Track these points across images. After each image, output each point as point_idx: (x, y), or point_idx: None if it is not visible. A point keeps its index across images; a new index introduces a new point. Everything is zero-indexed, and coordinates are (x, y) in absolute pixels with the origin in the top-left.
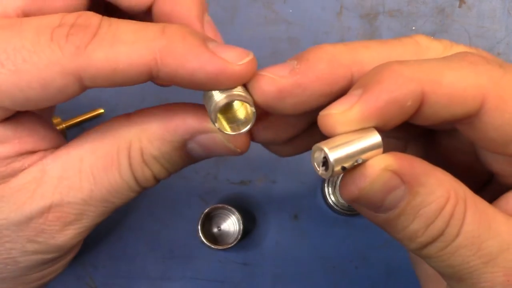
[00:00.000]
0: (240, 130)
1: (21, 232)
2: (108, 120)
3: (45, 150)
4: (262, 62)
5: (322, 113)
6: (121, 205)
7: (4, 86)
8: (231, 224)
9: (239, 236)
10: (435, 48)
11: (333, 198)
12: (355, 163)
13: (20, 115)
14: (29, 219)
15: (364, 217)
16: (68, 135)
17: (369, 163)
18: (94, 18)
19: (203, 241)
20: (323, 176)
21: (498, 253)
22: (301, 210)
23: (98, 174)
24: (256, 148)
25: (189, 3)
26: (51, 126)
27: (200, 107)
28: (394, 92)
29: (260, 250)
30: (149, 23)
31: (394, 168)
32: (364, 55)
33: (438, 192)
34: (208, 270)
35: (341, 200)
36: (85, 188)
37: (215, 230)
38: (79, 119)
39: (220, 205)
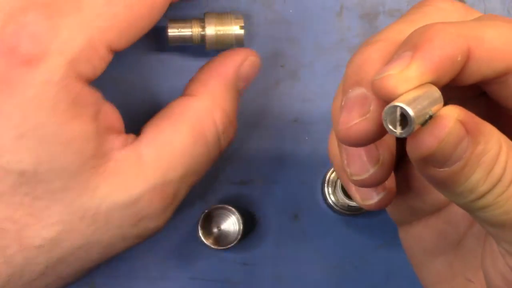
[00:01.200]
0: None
1: (126, 216)
2: (171, 103)
3: (123, 131)
4: (262, 62)
5: (378, 76)
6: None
7: (124, 26)
8: (231, 224)
9: (239, 236)
10: (458, 10)
11: (333, 198)
12: (428, 118)
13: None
14: (136, 201)
15: (364, 217)
16: None
17: (444, 114)
18: None
19: (203, 241)
20: (403, 135)
21: None
22: (301, 210)
23: (189, 150)
24: (256, 148)
25: None
26: (117, 109)
27: (225, 54)
28: (446, 48)
29: (260, 250)
30: None
31: (462, 118)
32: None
33: (493, 140)
34: (208, 270)
35: (341, 200)
36: (180, 165)
37: (215, 230)
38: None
39: (220, 205)
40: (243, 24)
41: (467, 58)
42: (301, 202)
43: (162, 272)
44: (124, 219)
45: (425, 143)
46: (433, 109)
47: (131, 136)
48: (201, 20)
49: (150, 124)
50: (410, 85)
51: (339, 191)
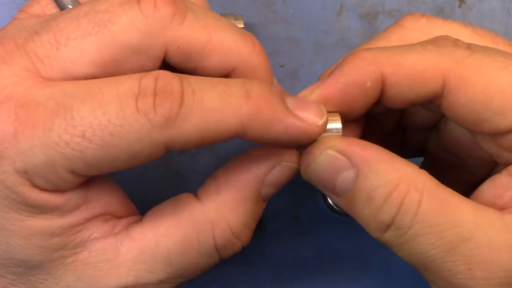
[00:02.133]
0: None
1: None
2: (175, 196)
3: (116, 217)
4: None
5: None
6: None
7: (93, 160)
8: None
9: None
10: (420, 28)
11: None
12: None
13: (93, 179)
14: None
15: None
16: None
17: (317, 142)
18: (173, 81)
19: None
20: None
21: (460, 242)
22: (301, 210)
23: (175, 258)
24: None
25: (264, 73)
26: (120, 190)
27: (252, 153)
28: (352, 74)
29: (260, 250)
30: (229, 82)
31: (339, 149)
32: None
33: (387, 177)
34: (208, 270)
35: None
36: (161, 271)
37: None
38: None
39: None
40: (243, 25)
41: (383, 84)
42: (301, 202)
43: None
44: None
45: (301, 167)
46: (322, 137)
47: (127, 220)
48: None
49: (151, 213)
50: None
51: None
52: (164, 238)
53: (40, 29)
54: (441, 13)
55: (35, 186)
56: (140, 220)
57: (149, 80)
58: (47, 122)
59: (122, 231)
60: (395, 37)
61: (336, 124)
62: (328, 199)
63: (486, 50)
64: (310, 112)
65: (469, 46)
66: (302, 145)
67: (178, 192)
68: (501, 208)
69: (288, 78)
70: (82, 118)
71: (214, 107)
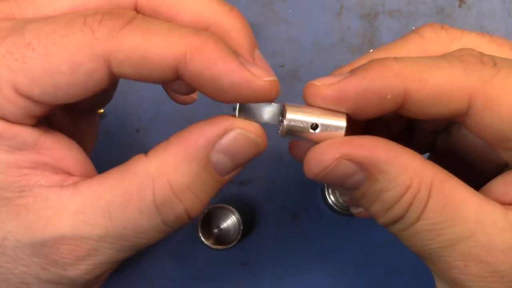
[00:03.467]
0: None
1: (34, 258)
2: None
3: (68, 173)
4: None
5: (309, 82)
6: (147, 245)
7: (34, 72)
8: (231, 224)
9: (239, 236)
10: (440, 39)
11: (333, 198)
12: (313, 132)
13: (50, 131)
14: (41, 245)
15: (364, 218)
16: None
17: (324, 148)
18: (130, 10)
19: (203, 241)
20: (280, 133)
21: (459, 239)
22: (301, 210)
23: (115, 212)
24: None
25: (239, 37)
26: (83, 154)
27: (210, 119)
28: (375, 83)
29: (260, 250)
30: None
31: (350, 157)
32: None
33: (399, 180)
34: (208, 270)
35: (341, 200)
36: (100, 225)
37: (215, 230)
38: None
39: (220, 205)
40: None
41: (405, 99)
42: (301, 202)
43: (162, 272)
44: (32, 260)
45: (307, 171)
46: (325, 134)
47: (80, 178)
48: None
49: (104, 172)
50: (324, 102)
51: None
52: (106, 191)
53: None
54: (441, 13)
55: None
56: (91, 177)
57: (108, 9)
58: None
59: (70, 185)
60: (414, 47)
61: (341, 122)
62: (328, 199)
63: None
64: (258, 68)
65: (495, 63)
66: (243, 100)
67: None
68: (508, 205)
69: (288, 78)
70: (31, 31)
71: (159, 32)
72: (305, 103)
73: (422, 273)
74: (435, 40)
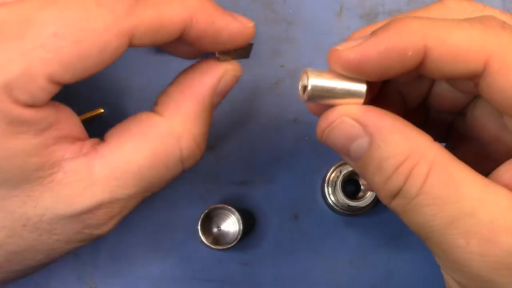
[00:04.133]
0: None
1: (69, 225)
2: (134, 115)
3: (80, 139)
4: (262, 62)
5: (332, 47)
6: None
7: (68, 60)
8: (231, 224)
9: (239, 236)
10: (462, 9)
11: (333, 198)
12: (332, 102)
13: (57, 102)
14: (79, 215)
15: (364, 217)
16: None
17: (334, 108)
18: None
19: (203, 241)
20: (300, 99)
21: (461, 216)
22: (301, 210)
23: (145, 172)
24: (256, 148)
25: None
26: (75, 114)
27: (198, 67)
28: (396, 40)
29: (260, 250)
30: None
31: (355, 117)
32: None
33: (399, 148)
34: (208, 270)
35: (341, 200)
36: (132, 186)
37: (215, 230)
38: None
39: (220, 205)
40: None
41: (424, 56)
42: (301, 202)
43: (162, 272)
44: (68, 228)
45: (317, 128)
46: (344, 100)
47: (91, 141)
48: None
49: (113, 133)
50: (346, 65)
51: (339, 191)
52: (134, 154)
53: None
54: None
55: (16, 101)
56: (103, 140)
57: None
58: (18, 33)
59: (91, 151)
60: (435, 13)
61: (361, 86)
62: (328, 199)
63: None
64: (241, 16)
65: None
66: (235, 46)
67: (179, 191)
68: None
69: (288, 78)
70: (52, 20)
71: (165, 1)
72: (328, 63)
73: (422, 273)
74: (457, 9)
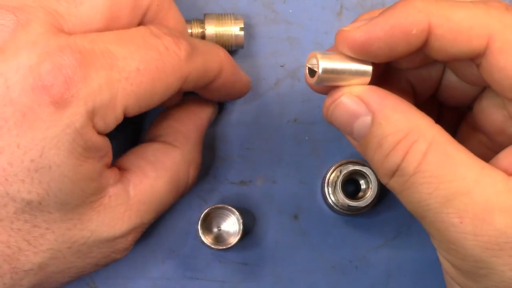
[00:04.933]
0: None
1: (104, 249)
2: (146, 144)
3: (111, 166)
4: (262, 62)
5: (339, 29)
6: None
7: (142, 95)
8: (231, 224)
9: (239, 236)
10: None
11: (333, 198)
12: (339, 77)
13: None
14: (116, 238)
15: (364, 217)
16: None
17: (337, 88)
18: (172, 30)
19: (203, 241)
20: (309, 82)
21: (456, 195)
22: (301, 210)
23: (164, 197)
24: (256, 148)
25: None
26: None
27: (194, 101)
28: (400, 19)
29: (260, 250)
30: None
31: (359, 95)
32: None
33: (399, 126)
34: (208, 270)
35: (341, 200)
36: (154, 211)
37: (215, 230)
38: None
39: (220, 205)
40: (242, 26)
41: (428, 34)
42: (301, 202)
43: (162, 272)
44: (102, 252)
45: (325, 102)
46: (352, 80)
47: (116, 168)
48: (201, 21)
49: (132, 161)
50: (353, 44)
51: (339, 191)
52: (156, 181)
53: None
54: None
55: (94, 127)
56: (124, 168)
57: (155, 27)
58: (106, 63)
59: (123, 178)
60: None
61: (367, 67)
62: (328, 199)
63: None
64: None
65: None
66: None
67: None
68: None
69: (288, 78)
70: (132, 56)
71: (206, 51)
72: (335, 44)
73: (422, 273)
74: None
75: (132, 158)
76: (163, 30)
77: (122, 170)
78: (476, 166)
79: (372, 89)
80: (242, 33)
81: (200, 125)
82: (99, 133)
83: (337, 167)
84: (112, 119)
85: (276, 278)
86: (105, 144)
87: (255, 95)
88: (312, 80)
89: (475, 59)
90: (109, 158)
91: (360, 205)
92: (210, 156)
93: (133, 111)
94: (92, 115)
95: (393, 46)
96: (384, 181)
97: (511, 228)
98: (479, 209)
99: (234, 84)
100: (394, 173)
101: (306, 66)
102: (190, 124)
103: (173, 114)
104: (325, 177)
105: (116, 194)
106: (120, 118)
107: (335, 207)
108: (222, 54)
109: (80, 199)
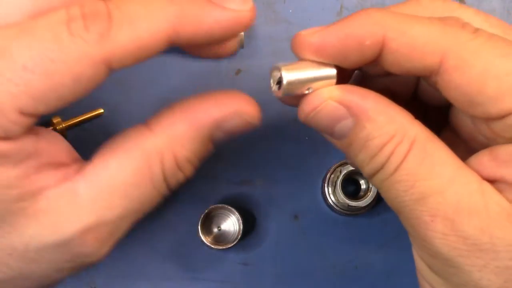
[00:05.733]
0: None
1: (59, 254)
2: (124, 130)
3: (65, 164)
4: (262, 62)
5: (296, 33)
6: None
7: (39, 92)
8: (231, 224)
9: (239, 236)
10: (436, 8)
11: (333, 198)
12: (307, 91)
13: (38, 129)
14: (67, 241)
15: (364, 217)
16: (68, 135)
17: (317, 91)
18: (98, 4)
19: (203, 241)
20: (275, 94)
21: (431, 193)
22: (301, 210)
23: (131, 191)
24: (256, 148)
25: None
26: (64, 140)
27: (214, 95)
28: (355, 29)
29: (260, 250)
30: None
31: (339, 99)
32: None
33: (385, 128)
34: (208, 270)
35: (341, 200)
36: (119, 206)
37: (215, 230)
38: (79, 119)
39: (220, 205)
40: None
41: (382, 47)
42: (301, 202)
43: (162, 272)
44: (57, 257)
45: (299, 112)
46: (318, 84)
47: (78, 163)
48: None
49: (100, 151)
50: (308, 49)
51: (339, 191)
52: (117, 172)
53: None
54: None
55: None
56: (90, 161)
57: (75, 8)
58: None
59: (76, 175)
60: (408, 10)
61: (331, 71)
62: (328, 199)
63: (491, 36)
64: (234, 1)
65: (476, 30)
66: (235, 34)
67: (179, 191)
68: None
69: None
70: (21, 52)
71: (141, 15)
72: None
73: None
74: (430, 7)
75: (102, 148)
76: (82, 10)
77: (86, 163)
78: (452, 165)
79: (351, 90)
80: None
81: (200, 119)
82: (1, 138)
83: (337, 167)
84: (7, 123)
85: (276, 278)
86: (20, 147)
87: (255, 95)
88: (279, 93)
89: (430, 76)
90: (44, 158)
91: (360, 205)
92: (210, 156)
93: (39, 110)
94: None
95: (347, 54)
96: (366, 176)
97: (479, 230)
98: (451, 209)
99: (210, 32)
100: (377, 171)
101: (270, 79)
102: (188, 113)
103: (180, 102)
104: (325, 177)
105: (57, 195)
106: (20, 120)
107: (335, 207)
108: (173, 10)
109: (2, 208)
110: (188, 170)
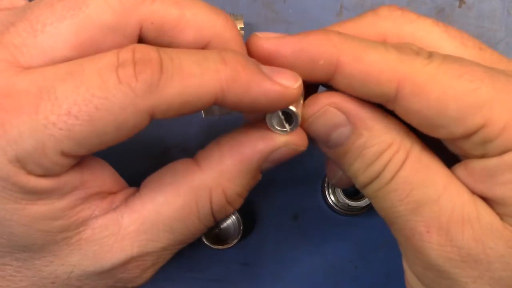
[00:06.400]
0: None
1: (101, 281)
2: (172, 163)
3: (112, 193)
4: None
5: (254, 33)
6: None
7: (80, 137)
8: (231, 224)
9: (239, 236)
10: (394, 19)
11: (333, 198)
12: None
13: (85, 160)
14: (109, 270)
15: (364, 217)
16: None
17: (318, 96)
18: (151, 51)
19: (203, 241)
20: (292, 131)
21: (426, 203)
22: (301, 210)
23: (176, 225)
24: None
25: (237, 47)
26: (110, 167)
27: (257, 126)
28: (312, 46)
29: (260, 250)
30: (205, 51)
31: (338, 106)
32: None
33: (382, 137)
34: (208, 270)
35: (341, 200)
36: (164, 238)
37: (215, 230)
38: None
39: None
40: (243, 25)
41: (336, 69)
42: (301, 202)
43: (162, 272)
44: (99, 283)
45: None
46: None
47: (124, 193)
48: None
49: (148, 183)
50: (259, 52)
51: (339, 191)
52: (164, 207)
53: (15, 20)
54: (441, 13)
55: (29, 173)
56: (137, 191)
57: (127, 52)
58: (31, 107)
59: (121, 205)
60: (366, 22)
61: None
62: (328, 199)
63: (445, 58)
64: (285, 77)
65: (430, 55)
66: (278, 109)
67: None
68: None
69: None
70: (66, 96)
71: (193, 73)
72: (249, 50)
73: None
74: (388, 18)
75: (150, 180)
76: (132, 55)
77: (134, 193)
78: (445, 174)
79: (350, 99)
80: (242, 33)
81: (247, 154)
82: (43, 175)
83: (337, 167)
84: (49, 164)
85: (276, 278)
86: (63, 182)
87: None
88: (294, 126)
89: (387, 103)
90: (90, 189)
91: (360, 205)
92: None
93: (81, 152)
94: (19, 163)
95: (298, 68)
96: (359, 186)
97: (474, 240)
98: (446, 219)
99: (255, 100)
100: (372, 180)
101: (273, 126)
102: (235, 148)
103: (226, 136)
104: (325, 177)
105: (102, 225)
106: (62, 161)
107: (335, 207)
108: (225, 73)
109: (45, 239)
110: (238, 203)
